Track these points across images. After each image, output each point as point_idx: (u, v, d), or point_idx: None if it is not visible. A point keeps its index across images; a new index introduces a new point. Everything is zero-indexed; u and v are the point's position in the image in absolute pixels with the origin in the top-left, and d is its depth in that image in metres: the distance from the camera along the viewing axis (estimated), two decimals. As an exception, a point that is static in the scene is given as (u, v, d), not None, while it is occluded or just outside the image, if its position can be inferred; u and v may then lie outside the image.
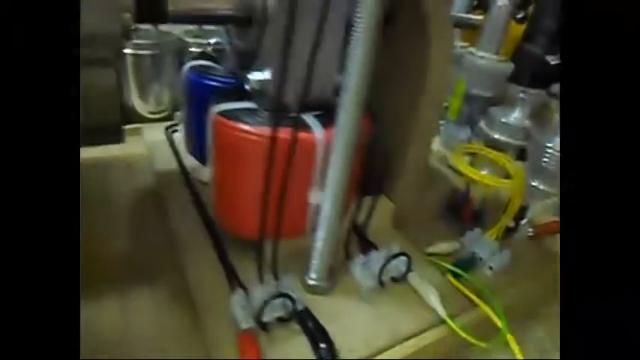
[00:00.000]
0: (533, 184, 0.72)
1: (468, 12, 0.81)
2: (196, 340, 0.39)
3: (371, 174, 0.46)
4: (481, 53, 0.79)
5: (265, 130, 0.37)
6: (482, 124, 0.79)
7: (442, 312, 0.42)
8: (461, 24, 0.68)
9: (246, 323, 0.36)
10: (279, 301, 0.38)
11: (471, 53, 0.81)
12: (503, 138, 0.76)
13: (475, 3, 0.87)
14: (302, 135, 0.37)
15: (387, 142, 0.51)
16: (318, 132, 0.38)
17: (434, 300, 0.43)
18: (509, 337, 0.43)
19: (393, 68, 0.48)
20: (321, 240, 0.40)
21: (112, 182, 0.62)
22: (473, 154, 0.60)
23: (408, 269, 0.45)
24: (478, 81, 0.80)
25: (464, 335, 0.41)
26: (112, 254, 0.49)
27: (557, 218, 0.63)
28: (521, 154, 0.76)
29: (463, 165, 0.48)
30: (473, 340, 0.40)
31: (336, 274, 0.44)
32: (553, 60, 0.77)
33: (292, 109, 0.39)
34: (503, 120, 0.75)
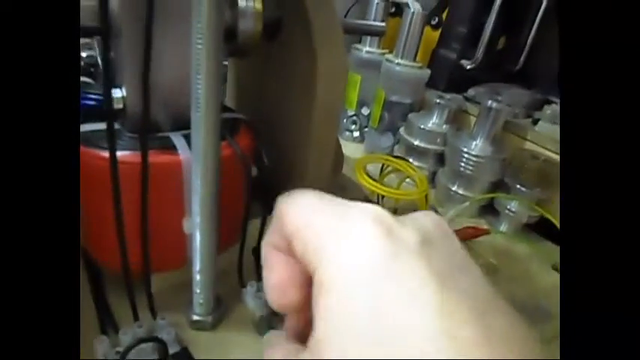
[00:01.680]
0: (453, 188, 0.72)
1: (383, 19, 0.80)
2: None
3: (272, 192, 0.43)
4: (398, 60, 0.79)
5: (125, 156, 0.33)
6: (402, 130, 0.79)
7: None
8: (363, 31, 0.67)
9: (108, 375, 0.32)
10: (147, 345, 0.33)
11: (388, 60, 0.80)
12: (422, 144, 0.76)
13: (392, 10, 0.87)
14: (165, 157, 0.34)
15: (284, 159, 0.48)
16: (184, 153, 0.34)
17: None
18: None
19: (282, 84, 0.46)
20: (197, 272, 0.36)
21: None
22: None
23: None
24: (397, 88, 0.80)
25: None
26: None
27: (472, 222, 0.62)
28: (441, 159, 0.76)
29: (364, 178, 0.46)
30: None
31: (224, 305, 0.40)
32: (467, 64, 0.78)
33: (156, 129, 0.35)
34: (421, 126, 0.75)
